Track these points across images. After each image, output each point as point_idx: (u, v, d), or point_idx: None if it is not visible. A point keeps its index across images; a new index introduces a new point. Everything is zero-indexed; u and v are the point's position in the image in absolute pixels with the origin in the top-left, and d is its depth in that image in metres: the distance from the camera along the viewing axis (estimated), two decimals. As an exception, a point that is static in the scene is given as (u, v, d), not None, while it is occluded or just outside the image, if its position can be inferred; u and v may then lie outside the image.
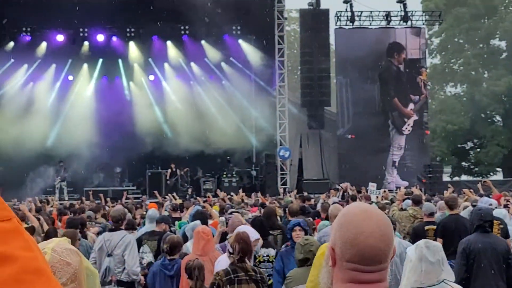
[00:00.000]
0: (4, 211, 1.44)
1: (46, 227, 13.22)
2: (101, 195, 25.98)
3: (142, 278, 11.34)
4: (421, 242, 6.07)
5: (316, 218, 15.06)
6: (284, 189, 33.58)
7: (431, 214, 13.42)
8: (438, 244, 6.14)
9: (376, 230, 2.56)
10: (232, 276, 8.03)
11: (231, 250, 8.32)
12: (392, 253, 2.62)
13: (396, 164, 35.82)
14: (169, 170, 34.29)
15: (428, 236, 11.88)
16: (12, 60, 36.45)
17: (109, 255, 10.94)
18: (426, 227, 13.01)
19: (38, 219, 13.85)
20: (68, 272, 2.80)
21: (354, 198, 19.37)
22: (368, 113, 35.80)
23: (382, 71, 36.23)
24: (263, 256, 11.19)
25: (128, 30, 36.39)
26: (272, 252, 11.38)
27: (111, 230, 11.42)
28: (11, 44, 36.54)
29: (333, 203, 14.24)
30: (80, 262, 2.87)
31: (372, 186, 23.56)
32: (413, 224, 14.38)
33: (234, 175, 34.82)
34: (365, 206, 2.72)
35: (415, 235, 12.59)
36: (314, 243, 7.78)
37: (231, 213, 14.89)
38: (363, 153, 34.73)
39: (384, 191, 24.51)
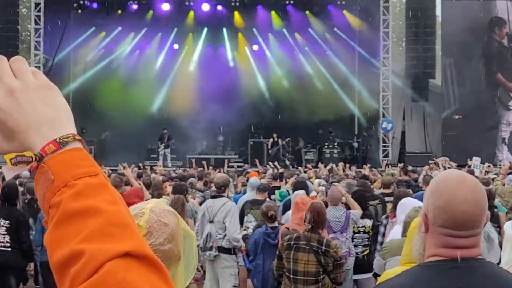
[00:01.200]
0: (91, 167, 1.49)
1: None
2: (204, 162, 26.28)
3: (243, 244, 11.46)
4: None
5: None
6: (386, 161, 33.25)
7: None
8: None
9: (469, 195, 2.56)
10: (292, 242, 8.12)
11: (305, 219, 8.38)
12: (485, 219, 2.62)
13: (506, 140, 34.89)
14: (271, 140, 34.36)
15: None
16: (120, 28, 37.12)
17: (211, 221, 11.09)
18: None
19: (140, 185, 14.14)
20: (165, 233, 2.87)
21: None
22: (473, 91, 34.97)
23: (484, 47, 35.27)
24: (359, 227, 11.18)
25: (233, -1, 36.59)
26: (368, 223, 11.37)
27: (213, 197, 11.57)
28: (119, 12, 37.22)
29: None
30: (177, 223, 2.95)
31: (475, 160, 23.03)
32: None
33: (336, 146, 34.61)
34: (458, 173, 2.72)
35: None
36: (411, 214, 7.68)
37: (331, 183, 14.86)
38: (471, 132, 33.99)
39: (489, 166, 23.95)
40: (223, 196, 11.42)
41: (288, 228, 8.74)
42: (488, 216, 2.64)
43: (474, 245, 2.61)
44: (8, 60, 1.55)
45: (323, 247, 8.11)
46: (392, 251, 7.56)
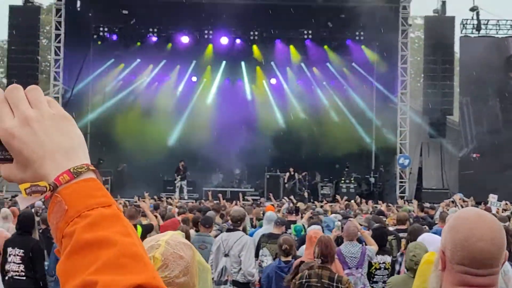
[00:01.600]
0: (104, 197, 1.50)
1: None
2: (220, 195, 26.24)
3: (257, 279, 11.40)
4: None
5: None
6: (402, 197, 33.11)
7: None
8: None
9: (488, 233, 2.53)
10: (303, 281, 8.01)
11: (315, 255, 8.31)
12: (504, 258, 2.58)
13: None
14: (287, 174, 34.33)
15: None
16: (139, 60, 37.46)
17: (226, 255, 11.04)
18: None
19: (156, 216, 14.14)
20: (181, 265, 2.86)
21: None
22: (490, 130, 34.84)
23: (500, 85, 35.20)
24: (379, 263, 11.10)
25: (251, 33, 36.68)
26: (388, 259, 11.30)
27: (229, 230, 11.52)
28: (138, 44, 37.51)
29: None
30: (193, 256, 2.94)
31: (492, 197, 22.92)
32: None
33: (352, 181, 34.56)
34: (477, 210, 2.70)
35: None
36: (417, 251, 7.62)
37: (346, 218, 14.81)
38: (488, 170, 33.82)
39: (506, 203, 23.83)
40: (239, 230, 11.38)
41: (303, 261, 8.66)
42: (506, 255, 2.60)
43: (492, 284, 2.57)
44: (24, 89, 1.56)
45: (335, 284, 8.02)
46: (394, 286, 7.53)
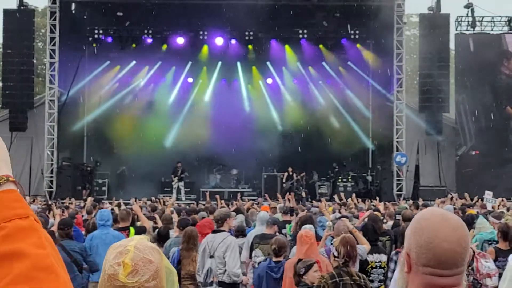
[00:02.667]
0: (22, 209, 1.49)
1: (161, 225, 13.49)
2: (217, 196, 26.23)
3: (245, 278, 11.39)
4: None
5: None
6: (400, 195, 33.13)
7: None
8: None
9: (452, 233, 2.53)
10: (337, 279, 7.98)
11: (335, 254, 8.28)
12: (468, 257, 2.58)
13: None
14: (286, 174, 34.36)
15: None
16: (134, 62, 37.45)
17: (211, 256, 11.05)
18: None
19: (154, 218, 14.14)
20: (150, 270, 2.86)
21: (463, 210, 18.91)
22: (486, 126, 34.88)
23: (494, 81, 35.24)
24: (375, 262, 11.10)
25: (246, 33, 36.62)
26: (384, 257, 11.29)
27: (214, 232, 11.52)
28: (133, 46, 37.50)
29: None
30: (160, 260, 2.94)
31: (488, 194, 22.96)
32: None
33: (350, 179, 34.64)
34: (439, 211, 2.70)
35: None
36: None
37: (339, 217, 14.79)
38: (486, 166, 33.89)
39: (502, 200, 23.83)
40: (224, 231, 11.37)
41: (301, 259, 8.63)
42: (470, 254, 2.60)
43: (457, 284, 2.57)
44: None
45: (362, 280, 8.06)
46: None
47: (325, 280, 7.97)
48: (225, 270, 10.96)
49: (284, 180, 34.31)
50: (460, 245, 2.54)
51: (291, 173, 34.31)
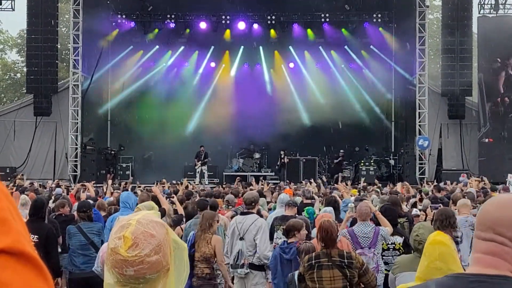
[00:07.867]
0: None
1: (180, 209, 13.52)
2: (239, 179, 26.33)
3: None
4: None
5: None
6: (422, 178, 33.02)
7: None
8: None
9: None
10: (313, 262, 8.10)
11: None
12: None
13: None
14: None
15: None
16: (157, 47, 37.56)
17: (241, 238, 11.06)
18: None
19: (173, 203, 14.21)
20: (152, 244, 2.87)
21: (486, 192, 18.84)
22: (507, 112, 34.62)
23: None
24: (388, 244, 11.08)
25: (269, 17, 36.61)
26: (399, 239, 11.22)
27: (243, 214, 11.55)
28: (156, 31, 37.60)
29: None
30: (165, 234, 2.96)
31: (510, 177, 22.84)
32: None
33: (372, 163, 34.58)
34: (508, 195, 2.62)
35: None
36: (421, 231, 7.62)
37: (361, 199, 14.82)
38: (509, 149, 33.67)
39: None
40: (253, 213, 11.40)
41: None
42: None
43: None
44: None
45: (346, 260, 8.10)
46: (400, 267, 7.59)
47: (303, 262, 8.16)
48: (255, 252, 10.98)
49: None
50: None
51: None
